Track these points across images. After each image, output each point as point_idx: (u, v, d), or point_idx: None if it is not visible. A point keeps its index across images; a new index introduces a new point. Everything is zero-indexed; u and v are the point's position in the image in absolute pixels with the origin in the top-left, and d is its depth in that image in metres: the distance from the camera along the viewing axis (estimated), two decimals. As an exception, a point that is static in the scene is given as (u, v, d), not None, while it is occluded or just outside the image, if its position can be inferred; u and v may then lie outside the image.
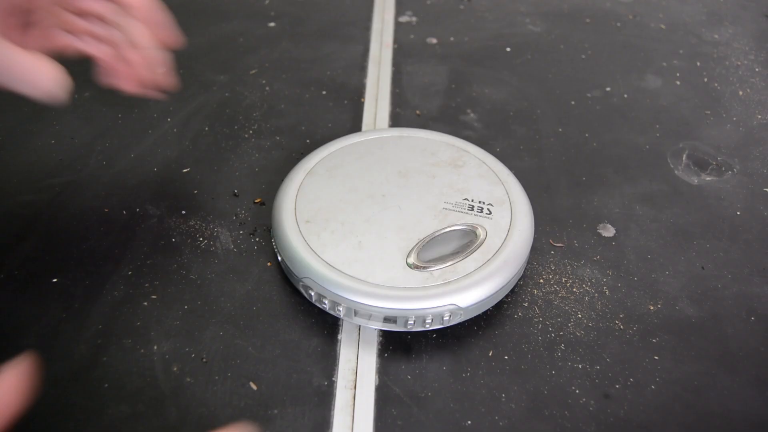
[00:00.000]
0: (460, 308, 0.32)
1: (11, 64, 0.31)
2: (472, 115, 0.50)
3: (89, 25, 0.38)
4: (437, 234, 0.35)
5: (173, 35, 0.39)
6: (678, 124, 0.50)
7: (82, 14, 0.38)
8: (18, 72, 0.32)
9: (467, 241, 0.35)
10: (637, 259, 0.38)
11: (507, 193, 0.38)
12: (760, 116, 0.51)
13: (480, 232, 0.35)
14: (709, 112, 0.52)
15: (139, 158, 0.44)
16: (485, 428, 0.30)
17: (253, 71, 0.54)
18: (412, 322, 0.32)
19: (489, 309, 0.35)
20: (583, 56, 0.59)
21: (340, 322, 0.34)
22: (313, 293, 0.33)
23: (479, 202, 0.37)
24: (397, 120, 0.49)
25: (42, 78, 0.32)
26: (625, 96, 0.53)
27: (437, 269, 0.33)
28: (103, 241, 0.38)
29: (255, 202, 0.41)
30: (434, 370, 0.32)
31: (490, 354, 0.33)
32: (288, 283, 0.36)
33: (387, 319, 0.32)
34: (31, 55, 0.32)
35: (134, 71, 0.39)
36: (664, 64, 0.58)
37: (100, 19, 0.37)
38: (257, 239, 0.39)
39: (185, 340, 0.33)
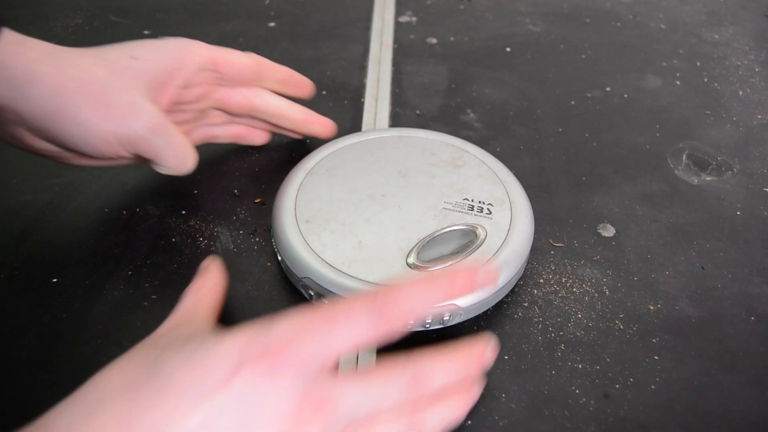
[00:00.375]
0: (460, 308, 0.32)
1: (169, 142, 0.35)
2: (472, 115, 0.50)
3: (228, 117, 0.43)
4: (437, 234, 0.35)
5: (310, 87, 0.44)
6: (678, 124, 0.50)
7: (227, 108, 0.42)
8: (170, 150, 0.35)
9: (467, 241, 0.35)
10: (637, 259, 0.38)
11: (507, 193, 0.38)
12: (760, 116, 0.51)
13: (480, 232, 0.35)
14: (709, 112, 0.52)
15: (139, 158, 0.44)
16: (485, 428, 0.30)
17: (253, 71, 0.54)
18: (412, 322, 0.32)
19: (489, 309, 0.35)
20: (583, 56, 0.59)
21: (340, 322, 0.34)
22: (313, 293, 0.33)
23: (479, 202, 0.37)
24: (397, 120, 0.49)
25: (187, 160, 0.37)
26: (625, 96, 0.53)
27: (437, 269, 0.33)
28: (103, 241, 0.38)
29: (255, 202, 0.41)
30: (434, 370, 0.32)
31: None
32: (288, 283, 0.36)
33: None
34: (185, 138, 0.36)
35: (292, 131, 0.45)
36: (664, 64, 0.58)
37: (245, 108, 0.42)
38: (257, 239, 0.39)
39: (185, 340, 0.33)
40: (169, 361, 0.23)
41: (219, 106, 0.42)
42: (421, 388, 0.25)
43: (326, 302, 0.24)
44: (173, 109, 0.39)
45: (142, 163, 0.37)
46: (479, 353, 0.28)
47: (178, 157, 0.36)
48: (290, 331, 0.23)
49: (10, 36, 0.32)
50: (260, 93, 0.42)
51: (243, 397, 0.22)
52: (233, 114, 0.43)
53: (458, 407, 0.27)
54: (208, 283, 0.31)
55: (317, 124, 0.44)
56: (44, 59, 0.32)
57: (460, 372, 0.27)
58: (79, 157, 0.35)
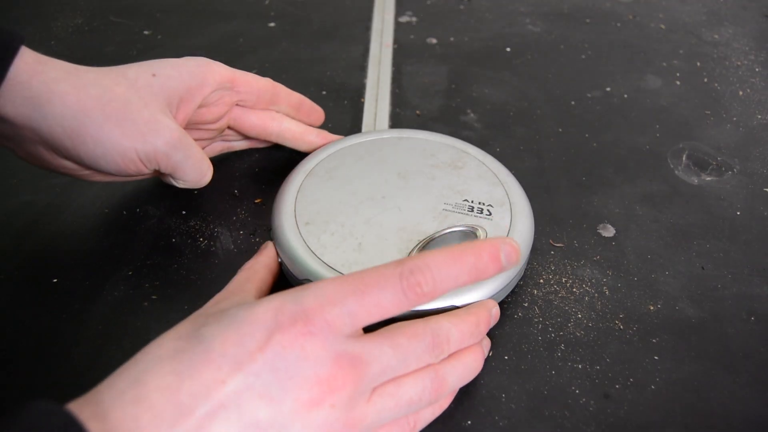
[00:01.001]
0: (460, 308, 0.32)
1: (188, 156, 0.36)
2: (472, 115, 0.50)
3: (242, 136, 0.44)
4: (437, 235, 0.35)
5: (321, 115, 0.45)
6: (678, 124, 0.50)
7: (242, 129, 0.43)
8: (189, 164, 0.36)
9: (467, 242, 0.35)
10: (637, 259, 0.38)
11: (507, 194, 0.38)
12: (760, 116, 0.51)
13: (480, 233, 0.35)
14: (709, 112, 0.52)
15: (139, 158, 0.44)
16: (485, 428, 0.30)
17: (253, 71, 0.54)
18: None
19: (489, 309, 0.35)
20: (583, 56, 0.59)
21: (340, 323, 0.34)
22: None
23: (479, 203, 0.37)
24: (397, 120, 0.49)
25: (205, 174, 0.38)
26: (625, 96, 0.53)
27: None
28: (103, 241, 0.38)
29: (255, 203, 0.41)
30: (434, 370, 0.32)
31: (490, 354, 0.33)
32: (288, 284, 0.36)
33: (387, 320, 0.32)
34: (202, 152, 0.37)
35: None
36: (664, 64, 0.58)
37: (259, 130, 0.42)
38: (257, 240, 0.39)
39: (185, 340, 0.33)
40: (209, 330, 0.24)
41: (234, 127, 0.42)
42: (440, 347, 0.27)
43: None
44: (191, 127, 0.39)
45: (158, 177, 0.38)
46: (487, 312, 0.31)
47: (196, 171, 0.37)
48: (321, 297, 0.24)
49: (30, 55, 0.32)
50: (276, 116, 0.42)
51: (278, 362, 0.23)
52: (247, 135, 0.44)
53: (474, 363, 0.29)
54: (261, 262, 0.33)
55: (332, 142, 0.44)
56: (64, 78, 0.32)
57: (473, 331, 0.29)
58: (97, 173, 0.36)
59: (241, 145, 0.45)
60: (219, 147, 0.44)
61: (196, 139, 0.40)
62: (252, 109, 0.42)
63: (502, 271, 0.27)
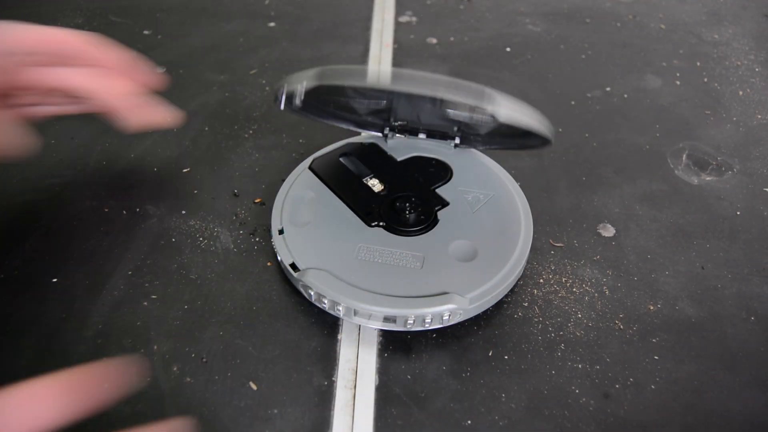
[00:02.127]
0: (459, 308, 0.32)
1: None
2: (472, 115, 0.50)
3: (62, 98, 0.37)
4: None
5: (154, 77, 0.38)
6: (678, 124, 0.50)
7: (54, 92, 0.36)
8: None
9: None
10: (637, 259, 0.38)
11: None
12: (760, 116, 0.51)
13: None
14: (709, 112, 0.52)
15: (139, 158, 0.44)
16: (485, 428, 0.30)
17: (253, 71, 0.54)
18: (411, 321, 0.32)
19: (489, 309, 0.35)
20: (583, 56, 0.59)
21: (340, 322, 0.34)
22: (312, 293, 0.33)
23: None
24: (397, 120, 0.49)
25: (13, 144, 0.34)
26: (625, 96, 0.53)
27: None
28: (103, 241, 0.38)
29: (255, 202, 0.41)
30: (434, 370, 0.32)
31: (490, 354, 0.33)
32: (288, 283, 0.36)
33: (387, 319, 0.32)
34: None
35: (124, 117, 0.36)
36: (664, 64, 0.58)
37: (73, 93, 0.35)
38: (257, 239, 0.39)
39: (185, 340, 0.33)
40: None
41: (38, 88, 0.36)
42: None
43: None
44: None
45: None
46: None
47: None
48: None
49: None
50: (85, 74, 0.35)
51: None
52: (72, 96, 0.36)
53: None
54: None
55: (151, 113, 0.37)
56: None
57: None
58: None
59: (73, 108, 0.38)
60: (46, 111, 0.38)
61: (11, 105, 0.35)
62: (56, 68, 0.35)
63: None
